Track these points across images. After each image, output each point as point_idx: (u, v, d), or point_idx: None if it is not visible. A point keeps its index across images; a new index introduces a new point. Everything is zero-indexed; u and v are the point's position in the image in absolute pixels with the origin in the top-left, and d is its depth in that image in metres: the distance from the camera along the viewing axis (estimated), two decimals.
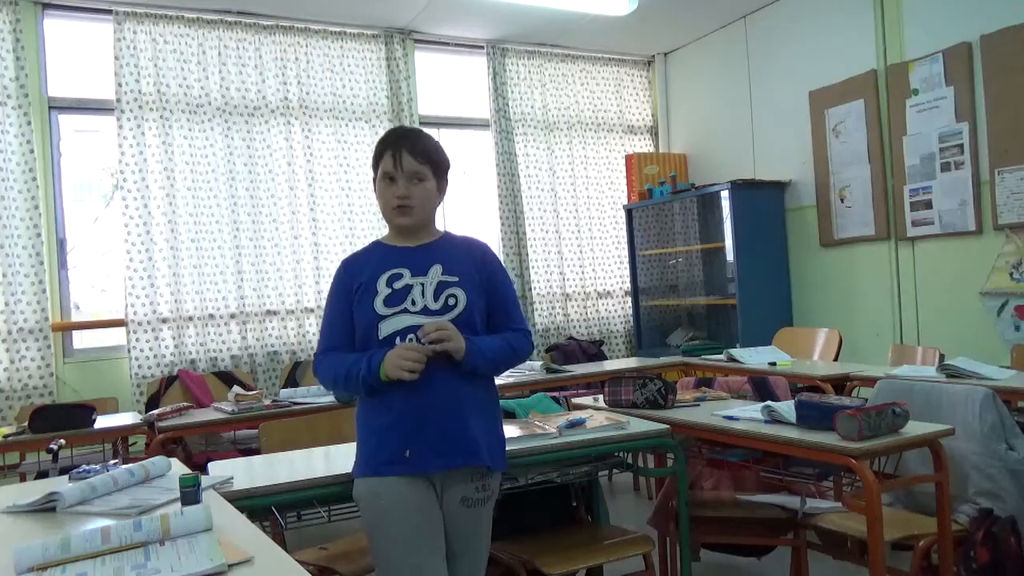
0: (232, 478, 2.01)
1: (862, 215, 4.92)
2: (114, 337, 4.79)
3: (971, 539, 2.29)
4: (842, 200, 5.05)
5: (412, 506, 1.85)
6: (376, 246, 2.06)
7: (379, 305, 1.91)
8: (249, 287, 5.01)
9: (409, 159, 1.94)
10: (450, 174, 2.07)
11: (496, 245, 5.82)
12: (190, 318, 4.84)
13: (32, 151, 4.47)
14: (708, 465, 2.97)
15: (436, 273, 1.95)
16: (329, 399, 3.60)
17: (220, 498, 1.74)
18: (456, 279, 1.95)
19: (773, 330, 4.73)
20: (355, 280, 1.97)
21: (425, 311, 1.90)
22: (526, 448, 2.27)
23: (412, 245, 2.01)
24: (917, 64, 4.53)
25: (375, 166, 2.00)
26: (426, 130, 2.11)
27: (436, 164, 1.99)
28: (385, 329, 1.90)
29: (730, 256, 5.43)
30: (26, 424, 3.28)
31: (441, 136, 5.74)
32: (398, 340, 1.89)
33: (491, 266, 2.04)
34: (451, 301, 1.93)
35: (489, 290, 2.00)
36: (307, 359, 5.04)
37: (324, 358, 1.97)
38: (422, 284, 1.93)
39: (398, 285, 1.93)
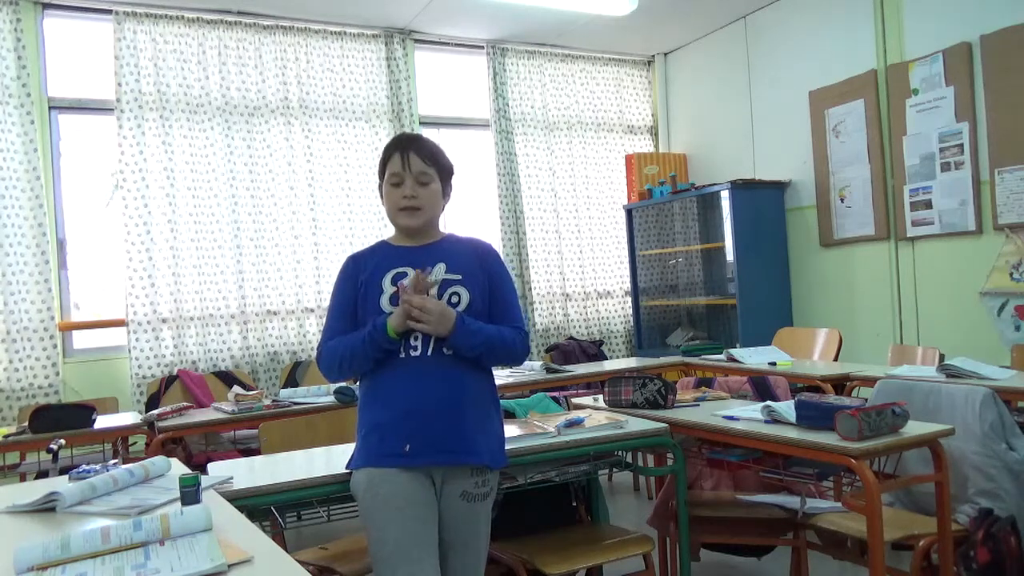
0: (232, 478, 2.01)
1: (862, 215, 4.92)
2: (114, 337, 4.79)
3: (971, 539, 2.29)
4: (842, 200, 5.05)
5: (409, 498, 1.87)
6: (382, 245, 2.09)
7: (384, 303, 1.94)
8: (249, 287, 5.01)
9: (416, 160, 1.98)
10: (453, 180, 2.10)
11: (496, 245, 5.78)
12: (190, 318, 4.84)
13: (36, 150, 4.46)
14: (708, 465, 2.97)
15: (440, 272, 1.98)
16: (329, 399, 3.61)
17: (220, 498, 1.74)
18: (459, 277, 1.98)
19: (773, 330, 4.72)
20: (361, 274, 2.00)
21: None
22: (525, 447, 2.27)
23: (416, 245, 2.04)
24: (917, 64, 4.53)
25: (381, 171, 2.04)
26: (426, 130, 2.14)
27: (441, 167, 2.03)
28: None
29: (730, 256, 5.43)
30: (26, 424, 3.28)
31: (441, 136, 5.75)
32: (401, 338, 1.91)
33: (494, 266, 2.07)
34: (454, 299, 1.96)
35: (491, 290, 2.03)
36: (307, 359, 5.04)
37: (327, 344, 1.99)
38: None
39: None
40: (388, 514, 1.86)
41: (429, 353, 1.92)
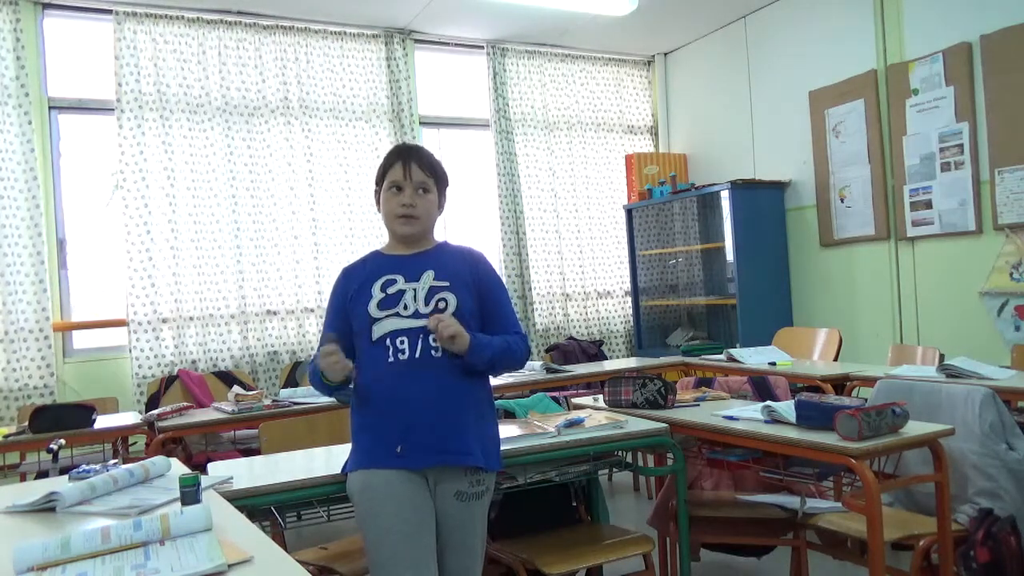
0: (232, 478, 2.01)
1: (862, 215, 4.92)
2: (114, 337, 4.79)
3: (971, 539, 2.29)
4: (842, 200, 5.05)
5: (404, 499, 1.89)
6: (374, 255, 2.14)
7: (373, 308, 1.99)
8: (249, 287, 5.01)
9: (417, 170, 2.04)
10: (448, 190, 2.16)
11: (496, 245, 5.82)
12: (190, 318, 4.84)
13: (33, 150, 4.47)
14: (708, 465, 2.97)
15: (428, 278, 2.02)
16: (329, 399, 3.60)
17: (220, 498, 1.74)
18: (447, 283, 2.02)
19: (773, 330, 4.72)
20: (351, 284, 2.06)
21: (416, 315, 1.97)
22: (524, 447, 2.27)
23: (408, 253, 2.08)
24: (917, 64, 4.53)
25: (380, 179, 2.09)
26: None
27: (439, 178, 2.10)
28: (377, 331, 1.98)
29: (730, 256, 5.43)
30: (26, 424, 3.28)
31: (441, 136, 5.75)
32: (388, 342, 1.95)
33: (484, 273, 2.10)
34: (441, 304, 1.99)
35: (483, 296, 2.07)
36: (307, 359, 5.04)
37: (311, 364, 2.08)
38: (414, 289, 2.00)
39: (391, 290, 2.00)
40: (384, 519, 1.87)
41: (417, 356, 1.94)
